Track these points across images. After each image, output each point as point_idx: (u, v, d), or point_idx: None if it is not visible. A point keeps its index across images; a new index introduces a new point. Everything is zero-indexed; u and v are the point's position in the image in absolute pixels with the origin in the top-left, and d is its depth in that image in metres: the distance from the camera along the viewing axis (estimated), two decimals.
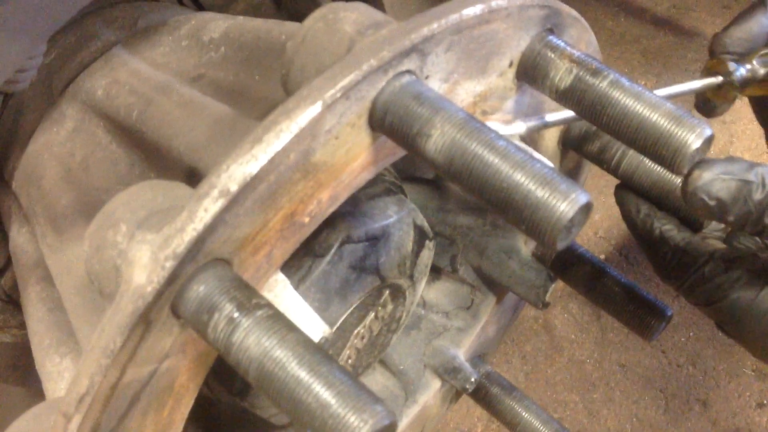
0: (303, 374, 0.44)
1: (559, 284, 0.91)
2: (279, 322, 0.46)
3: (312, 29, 0.60)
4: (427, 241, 0.86)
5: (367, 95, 0.51)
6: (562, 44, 0.60)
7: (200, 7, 1.10)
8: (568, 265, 0.88)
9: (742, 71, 0.78)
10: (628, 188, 0.76)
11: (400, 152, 0.57)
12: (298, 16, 0.93)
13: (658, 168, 0.73)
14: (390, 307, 0.86)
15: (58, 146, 0.87)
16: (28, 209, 0.89)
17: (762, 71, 0.79)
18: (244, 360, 0.46)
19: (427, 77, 0.55)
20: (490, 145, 0.48)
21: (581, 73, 0.58)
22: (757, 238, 0.72)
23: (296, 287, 0.69)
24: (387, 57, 0.50)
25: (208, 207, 0.46)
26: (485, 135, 0.49)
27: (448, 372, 0.97)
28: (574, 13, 0.65)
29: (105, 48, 0.90)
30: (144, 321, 0.47)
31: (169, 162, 0.77)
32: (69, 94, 0.89)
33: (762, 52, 0.79)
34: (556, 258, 0.89)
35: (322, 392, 0.43)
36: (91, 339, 0.48)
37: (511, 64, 0.61)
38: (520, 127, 0.66)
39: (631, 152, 0.74)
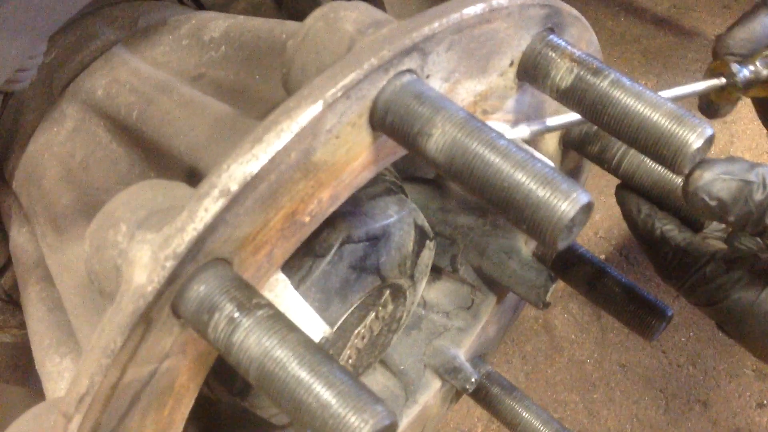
0: (303, 374, 0.44)
1: (560, 284, 0.91)
2: (279, 322, 0.46)
3: (313, 28, 0.60)
4: (427, 241, 0.86)
5: (368, 94, 0.51)
6: (563, 43, 0.60)
7: (201, 6, 1.10)
8: (568, 265, 0.88)
9: (745, 73, 0.78)
10: (629, 188, 0.76)
11: (401, 152, 0.57)
12: (299, 15, 0.93)
13: (659, 168, 0.73)
14: (390, 307, 0.86)
15: (58, 146, 0.87)
16: (28, 209, 0.89)
17: (765, 72, 0.79)
18: (244, 360, 0.46)
19: (427, 76, 0.55)
20: (491, 145, 0.48)
21: (582, 73, 0.58)
22: (758, 239, 0.71)
23: (297, 287, 0.69)
24: (388, 56, 0.50)
25: (209, 207, 0.46)
26: (486, 134, 0.49)
27: (448, 372, 0.97)
28: (575, 12, 0.65)
29: (105, 47, 0.90)
30: (144, 321, 0.47)
31: (170, 161, 0.77)
32: (69, 94, 0.89)
33: (765, 54, 0.79)
34: (556, 258, 0.89)
35: (323, 392, 0.43)
36: (91, 339, 0.48)
37: (511, 64, 0.61)
38: (524, 131, 0.66)
39: (632, 152, 0.74)
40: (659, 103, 0.55)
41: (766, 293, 0.66)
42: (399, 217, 0.81)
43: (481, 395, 0.97)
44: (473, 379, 0.96)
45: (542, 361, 1.81)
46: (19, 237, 0.93)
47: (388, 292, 0.83)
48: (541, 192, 0.46)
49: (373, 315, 0.84)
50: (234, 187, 0.47)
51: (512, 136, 0.65)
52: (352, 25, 0.58)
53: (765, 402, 1.70)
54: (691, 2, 2.46)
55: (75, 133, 0.86)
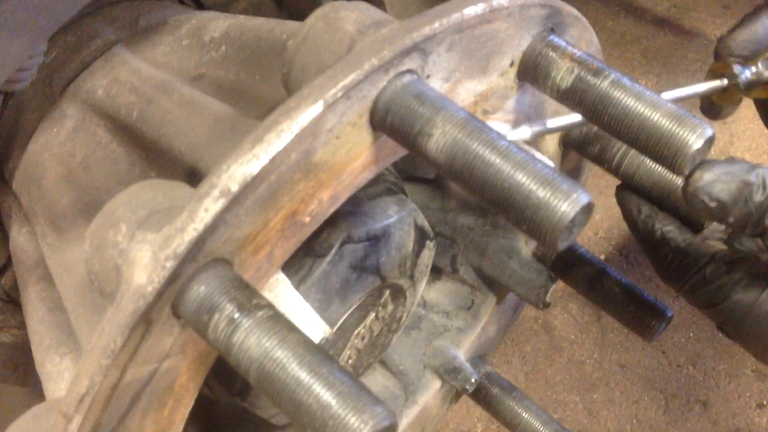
0: (303, 375, 0.44)
1: (560, 284, 0.91)
2: (279, 322, 0.46)
3: (313, 28, 0.60)
4: (427, 241, 0.86)
5: (369, 94, 0.51)
6: (564, 44, 0.60)
7: (201, 6, 1.10)
8: (568, 265, 0.88)
9: (747, 74, 0.78)
10: (629, 189, 0.76)
11: (401, 152, 0.57)
12: (300, 15, 0.93)
13: (659, 168, 0.73)
14: (390, 307, 0.86)
15: (58, 146, 0.87)
16: (28, 209, 0.89)
17: (767, 74, 0.79)
18: (244, 360, 0.46)
19: (428, 76, 0.55)
20: (491, 145, 0.48)
21: (582, 73, 0.58)
22: (759, 240, 0.71)
23: (297, 287, 0.69)
24: (388, 56, 0.50)
25: (209, 207, 0.46)
26: (486, 135, 0.49)
27: (448, 372, 0.97)
28: (575, 12, 0.65)
29: (105, 47, 0.90)
30: (144, 321, 0.47)
31: (170, 161, 0.77)
32: (69, 94, 0.89)
33: (767, 55, 0.79)
34: (556, 258, 0.89)
35: (323, 393, 0.43)
36: (91, 339, 0.48)
37: (512, 64, 0.61)
38: (525, 132, 0.66)
39: (632, 152, 0.74)
40: (659, 104, 0.55)
41: (766, 294, 0.66)
42: (399, 217, 0.81)
43: (480, 395, 0.97)
44: (473, 380, 0.96)
45: (542, 362, 1.81)
46: (19, 237, 0.93)
47: (388, 292, 0.83)
48: (542, 192, 0.46)
49: (373, 315, 0.84)
50: (234, 188, 0.47)
51: (513, 137, 0.65)
52: (352, 25, 0.58)
53: (765, 402, 1.70)
54: (691, 2, 2.46)
55: (75, 133, 0.86)
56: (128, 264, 0.49)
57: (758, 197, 0.60)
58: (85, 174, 0.83)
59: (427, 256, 0.87)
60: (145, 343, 0.49)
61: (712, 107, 0.85)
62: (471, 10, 0.55)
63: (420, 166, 1.00)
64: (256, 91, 0.78)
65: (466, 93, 0.60)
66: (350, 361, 0.85)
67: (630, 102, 0.56)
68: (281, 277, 0.59)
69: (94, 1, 0.84)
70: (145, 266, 0.47)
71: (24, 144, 0.90)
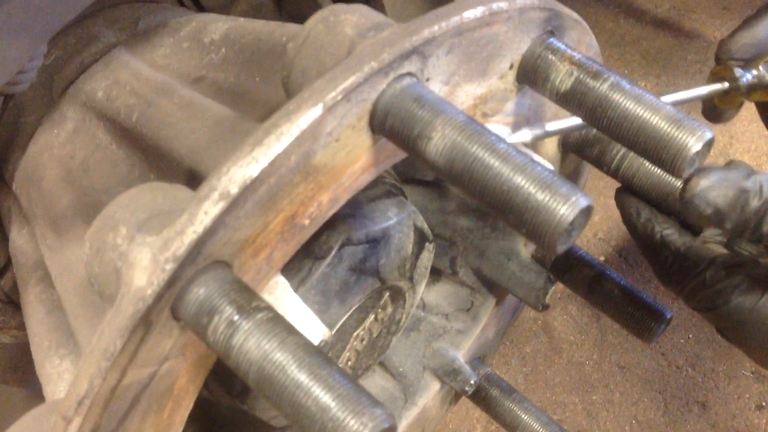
0: (303, 377, 0.44)
1: (559, 286, 0.91)
2: (279, 325, 0.46)
3: (313, 31, 0.60)
4: (427, 243, 0.86)
5: (368, 97, 0.51)
6: (563, 47, 0.60)
7: (201, 9, 1.10)
8: (567, 267, 0.88)
9: (748, 77, 0.78)
10: (629, 192, 0.76)
11: (401, 154, 0.57)
12: (299, 18, 0.93)
13: (658, 170, 0.73)
14: (390, 309, 0.86)
15: (58, 147, 0.87)
16: (28, 210, 0.89)
17: None
18: (243, 363, 0.46)
19: (427, 79, 0.55)
20: (490, 148, 0.48)
21: (582, 76, 0.58)
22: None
23: (296, 289, 0.69)
24: (388, 59, 0.50)
25: (209, 209, 0.46)
26: (486, 138, 0.49)
27: (447, 374, 0.97)
28: (575, 15, 0.65)
29: (105, 49, 0.90)
30: (144, 323, 0.47)
31: (170, 164, 0.77)
32: (69, 96, 0.89)
33: None
34: (555, 260, 0.89)
35: (322, 395, 0.43)
36: (90, 341, 0.48)
37: (511, 67, 0.61)
38: (526, 135, 0.66)
39: (631, 155, 0.74)
40: (659, 107, 0.55)
41: (766, 299, 0.66)
42: (398, 220, 0.81)
43: (480, 397, 0.97)
44: (472, 381, 0.96)
45: (541, 363, 1.81)
46: (18, 238, 0.93)
47: (387, 294, 0.83)
48: (541, 195, 0.46)
49: (372, 317, 0.84)
50: (234, 190, 0.47)
51: (514, 140, 0.65)
52: (352, 28, 0.58)
53: (764, 404, 1.70)
54: (690, 4, 2.46)
55: (75, 135, 0.86)
56: (128, 266, 0.49)
57: (754, 204, 0.60)
58: (85, 176, 0.83)
59: (427, 258, 0.87)
60: (145, 346, 0.49)
61: (714, 110, 0.85)
62: (471, 14, 0.55)
63: (419, 168, 1.00)
64: (256, 94, 0.78)
65: (465, 96, 0.60)
66: (349, 362, 0.85)
67: (629, 105, 0.56)
68: (281, 279, 0.59)
69: (94, 3, 0.84)
70: (144, 269, 0.47)
71: (24, 145, 0.90)
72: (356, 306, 0.79)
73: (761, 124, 0.93)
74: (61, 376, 0.77)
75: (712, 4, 2.44)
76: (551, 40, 0.61)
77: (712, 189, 0.60)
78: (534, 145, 0.77)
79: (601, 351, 1.81)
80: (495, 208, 0.48)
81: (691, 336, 1.81)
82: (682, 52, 2.32)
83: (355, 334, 0.82)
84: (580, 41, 0.68)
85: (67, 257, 0.79)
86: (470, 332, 0.99)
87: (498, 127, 0.66)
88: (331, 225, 0.75)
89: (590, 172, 0.91)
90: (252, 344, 0.46)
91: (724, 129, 2.07)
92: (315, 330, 0.62)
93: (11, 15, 0.69)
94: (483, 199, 0.49)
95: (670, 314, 0.82)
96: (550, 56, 0.60)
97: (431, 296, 1.01)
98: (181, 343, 0.51)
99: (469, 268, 0.97)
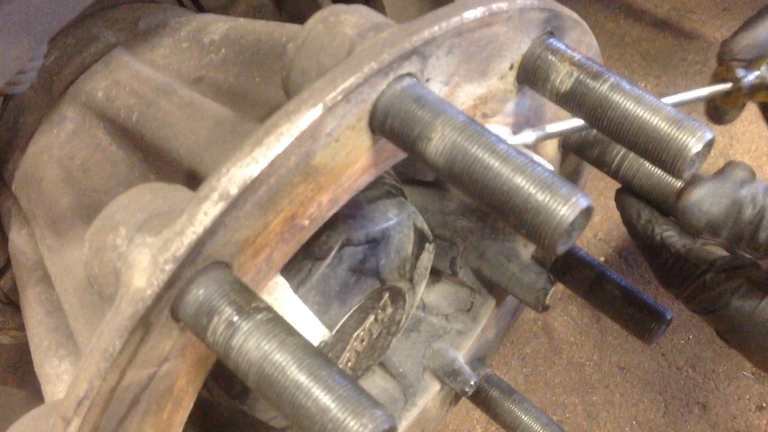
0: (302, 378, 0.44)
1: (559, 286, 0.91)
2: (278, 325, 0.46)
3: (313, 31, 0.60)
4: (427, 244, 0.86)
5: (368, 98, 0.51)
6: (563, 47, 0.60)
7: (201, 9, 1.10)
8: (567, 268, 0.88)
9: (750, 78, 0.78)
10: (629, 192, 0.76)
11: (401, 155, 0.57)
12: (299, 18, 0.93)
13: (659, 171, 0.73)
14: (390, 309, 0.86)
15: (58, 148, 0.87)
16: (27, 211, 0.89)
17: None
18: (243, 364, 0.46)
19: (427, 80, 0.55)
20: (490, 149, 0.48)
21: (582, 77, 0.58)
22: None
23: (296, 290, 0.69)
24: (388, 60, 0.50)
25: (208, 210, 0.46)
26: (486, 138, 0.49)
27: (447, 375, 0.97)
28: (575, 15, 0.65)
29: (105, 50, 0.90)
30: (143, 324, 0.47)
31: (170, 164, 0.76)
32: (69, 96, 0.89)
33: None
34: (555, 261, 0.89)
35: (322, 396, 0.43)
36: (90, 342, 0.48)
37: (511, 67, 0.61)
38: (529, 136, 0.66)
39: (631, 155, 0.74)
40: (659, 107, 0.55)
41: (766, 302, 0.66)
42: (398, 220, 0.81)
43: (480, 398, 0.97)
44: (472, 382, 0.96)
45: (541, 364, 1.81)
46: (18, 239, 0.93)
47: (387, 294, 0.83)
48: (541, 196, 0.46)
49: (372, 318, 0.84)
50: (234, 191, 0.47)
51: (517, 141, 0.65)
52: (352, 29, 0.58)
53: (764, 405, 1.70)
54: (690, 4, 2.46)
55: (75, 136, 0.86)
56: (127, 267, 0.49)
57: (748, 214, 0.60)
58: (85, 176, 0.83)
59: (427, 258, 0.87)
60: (144, 347, 0.49)
61: (717, 111, 0.85)
62: (471, 14, 0.55)
63: (419, 169, 1.00)
64: (256, 94, 0.78)
65: (465, 96, 0.60)
66: (349, 363, 0.85)
67: (629, 105, 0.56)
68: (280, 279, 0.59)
69: (94, 3, 0.84)
70: (144, 269, 0.47)
71: (24, 146, 0.90)
72: (356, 307, 0.79)
73: (761, 124, 0.93)
74: (60, 377, 0.77)
75: (712, 5, 2.44)
76: (551, 40, 0.61)
77: (706, 200, 0.60)
78: (534, 145, 0.76)
79: (601, 352, 1.81)
80: (495, 208, 0.48)
81: (691, 337, 1.81)
82: (682, 52, 2.32)
83: (355, 334, 0.82)
84: (580, 42, 0.68)
85: (67, 258, 0.79)
86: (470, 333, 0.99)
87: (498, 127, 0.66)
88: (331, 225, 0.75)
89: (590, 172, 0.91)
90: (252, 345, 0.46)
91: (724, 130, 2.07)
92: (315, 331, 0.62)
93: (11, 15, 0.69)
94: (483, 200, 0.49)
95: (670, 315, 0.82)
96: (550, 57, 0.60)
97: (431, 297, 1.01)
98: (180, 344, 0.51)
99: (469, 268, 0.97)
